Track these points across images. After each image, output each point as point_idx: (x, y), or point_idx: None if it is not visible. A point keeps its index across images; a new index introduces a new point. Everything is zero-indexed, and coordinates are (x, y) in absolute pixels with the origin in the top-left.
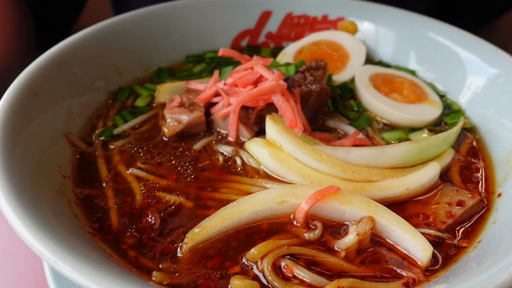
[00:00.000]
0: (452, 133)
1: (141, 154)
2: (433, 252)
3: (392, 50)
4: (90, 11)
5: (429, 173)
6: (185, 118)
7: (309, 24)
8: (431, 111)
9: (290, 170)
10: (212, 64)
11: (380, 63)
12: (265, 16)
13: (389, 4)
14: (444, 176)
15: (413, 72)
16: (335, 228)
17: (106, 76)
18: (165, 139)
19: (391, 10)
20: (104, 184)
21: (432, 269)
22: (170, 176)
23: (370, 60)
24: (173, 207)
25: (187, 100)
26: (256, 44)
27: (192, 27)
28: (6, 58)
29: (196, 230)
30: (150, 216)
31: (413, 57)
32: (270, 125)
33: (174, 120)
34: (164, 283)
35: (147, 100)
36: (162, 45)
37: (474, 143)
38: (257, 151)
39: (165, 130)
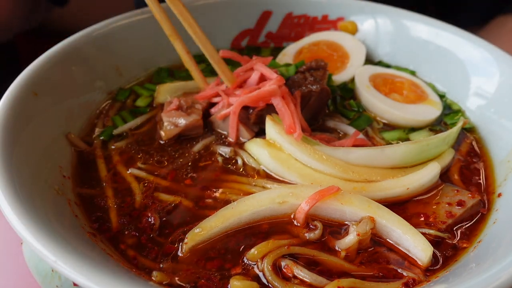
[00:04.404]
0: (452, 133)
1: (141, 154)
2: (433, 252)
3: (392, 50)
4: (90, 11)
5: (429, 173)
6: (182, 121)
7: (309, 24)
8: (431, 111)
9: (290, 171)
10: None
11: (380, 63)
12: (265, 16)
13: (389, 4)
14: (444, 176)
15: (413, 73)
16: (336, 228)
17: (106, 76)
18: (162, 142)
19: (391, 10)
20: (104, 184)
21: (432, 269)
22: (170, 176)
23: (370, 60)
24: (172, 206)
25: (185, 103)
26: (256, 44)
27: None
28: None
29: (196, 230)
30: (149, 216)
31: (413, 57)
32: (270, 126)
33: (171, 123)
34: (164, 283)
35: (147, 101)
36: (162, 45)
37: (474, 143)
38: (257, 152)
39: (162, 133)
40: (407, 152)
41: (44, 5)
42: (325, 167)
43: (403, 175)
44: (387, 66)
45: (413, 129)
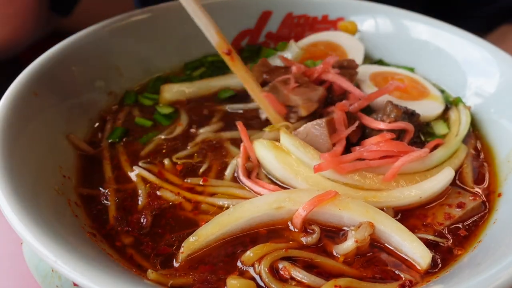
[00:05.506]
0: (467, 126)
1: (145, 156)
2: (433, 254)
3: (392, 50)
4: (90, 11)
5: (443, 179)
6: (313, 96)
7: (309, 24)
8: (435, 106)
9: (297, 178)
10: (212, 68)
11: (380, 63)
12: (265, 16)
13: (389, 4)
14: (457, 174)
15: (411, 69)
16: (334, 233)
17: (106, 76)
18: (301, 116)
19: (391, 10)
20: (103, 185)
21: (431, 271)
22: (171, 178)
23: (370, 60)
24: (172, 209)
25: (298, 78)
26: (256, 44)
27: (191, 27)
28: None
29: (192, 239)
30: (146, 216)
31: (413, 57)
32: (286, 139)
33: (307, 100)
34: (161, 283)
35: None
36: (162, 45)
37: (478, 143)
38: (263, 154)
39: (302, 110)
40: (441, 155)
41: (49, 18)
42: (338, 175)
43: (417, 181)
44: (387, 65)
45: None
